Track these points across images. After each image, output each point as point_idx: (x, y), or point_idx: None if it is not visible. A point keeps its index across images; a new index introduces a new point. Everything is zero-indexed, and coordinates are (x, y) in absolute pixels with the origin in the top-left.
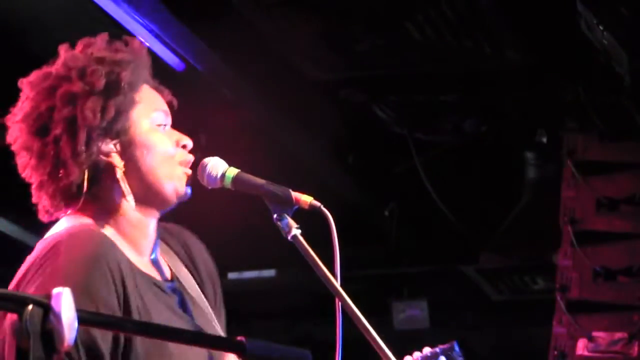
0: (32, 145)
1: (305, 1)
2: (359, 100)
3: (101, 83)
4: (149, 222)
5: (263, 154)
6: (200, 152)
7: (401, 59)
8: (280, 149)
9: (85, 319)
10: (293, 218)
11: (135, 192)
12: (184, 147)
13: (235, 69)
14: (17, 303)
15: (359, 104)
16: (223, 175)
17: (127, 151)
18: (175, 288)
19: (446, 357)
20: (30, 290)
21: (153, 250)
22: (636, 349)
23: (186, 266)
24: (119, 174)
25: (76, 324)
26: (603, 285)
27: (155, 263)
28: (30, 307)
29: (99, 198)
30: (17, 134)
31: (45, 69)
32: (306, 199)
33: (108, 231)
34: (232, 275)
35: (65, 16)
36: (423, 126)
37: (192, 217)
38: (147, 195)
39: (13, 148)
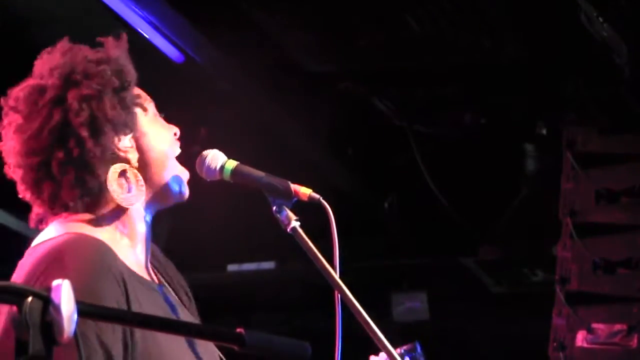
0: (51, 157)
1: None
2: (358, 93)
3: (112, 80)
4: (146, 222)
5: (262, 146)
6: (199, 144)
7: (401, 52)
8: (279, 142)
9: (84, 311)
10: (292, 210)
11: (144, 185)
12: (175, 134)
13: (235, 62)
14: (16, 295)
15: (358, 97)
16: (222, 167)
17: (140, 144)
18: (164, 292)
19: (410, 357)
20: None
21: (147, 251)
22: (635, 340)
23: (164, 278)
24: (131, 169)
25: (76, 316)
26: (602, 277)
27: (147, 266)
28: (29, 299)
29: (104, 196)
30: (24, 151)
31: (32, 84)
32: (305, 191)
33: (104, 236)
34: (231, 268)
35: (63, 8)
36: (423, 119)
37: (191, 210)
38: (155, 188)
39: (13, 167)
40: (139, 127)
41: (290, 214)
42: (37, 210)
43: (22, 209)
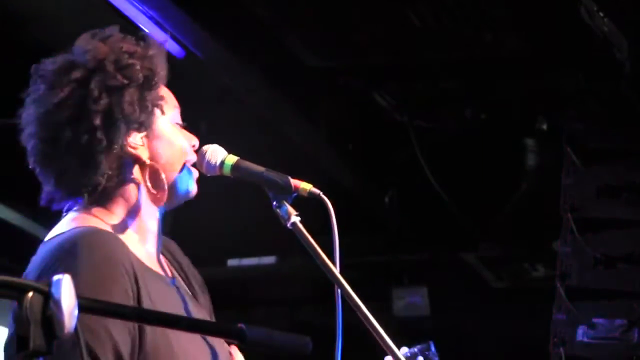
0: (60, 135)
1: None
2: (359, 88)
3: (139, 76)
4: (157, 218)
5: (262, 141)
6: (200, 140)
7: (401, 47)
8: (280, 137)
9: (85, 306)
10: (292, 205)
11: (152, 186)
12: (193, 146)
13: (236, 57)
14: (17, 290)
15: (359, 92)
16: (222, 162)
17: (152, 144)
18: (176, 285)
19: (423, 356)
20: None
21: (158, 246)
22: (636, 335)
23: (178, 273)
24: (140, 167)
25: (76, 312)
26: (603, 273)
27: (159, 259)
28: (30, 294)
29: (114, 191)
30: (39, 122)
31: (66, 58)
32: (305, 187)
33: (116, 229)
34: (231, 262)
35: (62, 2)
36: (423, 114)
37: (192, 205)
38: (162, 190)
39: (27, 135)
40: (153, 128)
41: (290, 209)
42: (46, 188)
43: (25, 206)
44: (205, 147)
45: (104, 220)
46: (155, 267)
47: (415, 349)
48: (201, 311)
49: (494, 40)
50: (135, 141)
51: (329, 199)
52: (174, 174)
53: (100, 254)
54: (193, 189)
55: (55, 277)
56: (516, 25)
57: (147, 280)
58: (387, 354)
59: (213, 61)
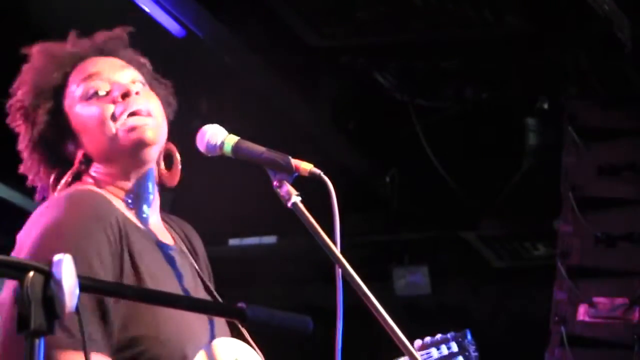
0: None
1: None
2: (360, 67)
3: (27, 99)
4: (145, 187)
5: (263, 121)
6: (200, 119)
7: (402, 26)
8: (280, 116)
9: (86, 285)
10: (293, 185)
11: (109, 168)
12: (124, 96)
13: (236, 36)
14: (17, 270)
15: (360, 71)
16: (222, 143)
17: (79, 142)
18: (174, 253)
19: (457, 343)
20: (29, 242)
21: (151, 211)
22: (637, 314)
23: (187, 248)
24: (85, 162)
25: (77, 291)
26: (604, 252)
27: (155, 227)
28: (31, 274)
29: (84, 180)
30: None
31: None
32: (306, 166)
33: (107, 194)
34: (232, 242)
35: None
36: (424, 93)
37: (193, 184)
38: (118, 164)
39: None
40: (72, 127)
41: (291, 189)
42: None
43: (25, 184)
44: (205, 128)
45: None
46: (148, 230)
47: (448, 335)
48: (197, 282)
49: (495, 20)
50: (69, 149)
51: (329, 178)
52: (113, 148)
53: (83, 204)
54: (135, 136)
55: (56, 257)
56: (517, 4)
57: (136, 236)
58: (388, 334)
59: (213, 40)
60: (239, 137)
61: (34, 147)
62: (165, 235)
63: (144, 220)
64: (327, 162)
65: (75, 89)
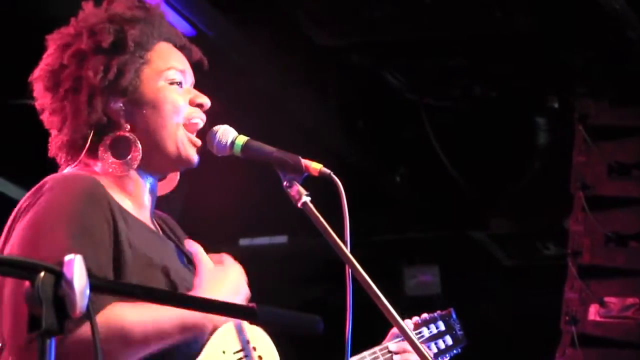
0: (46, 101)
1: None
2: (369, 66)
3: (107, 41)
4: (149, 181)
5: (273, 120)
6: (210, 118)
7: (412, 25)
8: (290, 116)
9: (97, 285)
10: (303, 185)
11: (142, 151)
12: (199, 105)
13: (246, 35)
14: (29, 270)
15: (369, 70)
16: (232, 143)
17: (134, 110)
18: (164, 237)
19: (444, 322)
20: (24, 220)
21: (151, 209)
22: None
23: (174, 237)
24: (123, 133)
25: (88, 291)
26: (615, 251)
27: (146, 219)
28: (42, 274)
29: (101, 155)
30: (36, 91)
31: (66, 27)
32: (316, 166)
33: (105, 182)
34: (243, 242)
35: None
36: (433, 91)
37: (203, 184)
38: (152, 155)
39: (37, 104)
40: (139, 92)
41: (301, 189)
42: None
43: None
44: (216, 128)
45: (96, 175)
46: (145, 220)
47: (436, 314)
48: (190, 270)
49: (504, 18)
50: (115, 107)
51: (339, 177)
52: (164, 139)
53: (77, 186)
54: (185, 154)
55: (67, 258)
56: (527, 3)
57: (130, 222)
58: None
59: (223, 40)
60: (248, 137)
61: (96, 94)
62: (159, 229)
63: (138, 212)
64: (336, 162)
65: (161, 65)
